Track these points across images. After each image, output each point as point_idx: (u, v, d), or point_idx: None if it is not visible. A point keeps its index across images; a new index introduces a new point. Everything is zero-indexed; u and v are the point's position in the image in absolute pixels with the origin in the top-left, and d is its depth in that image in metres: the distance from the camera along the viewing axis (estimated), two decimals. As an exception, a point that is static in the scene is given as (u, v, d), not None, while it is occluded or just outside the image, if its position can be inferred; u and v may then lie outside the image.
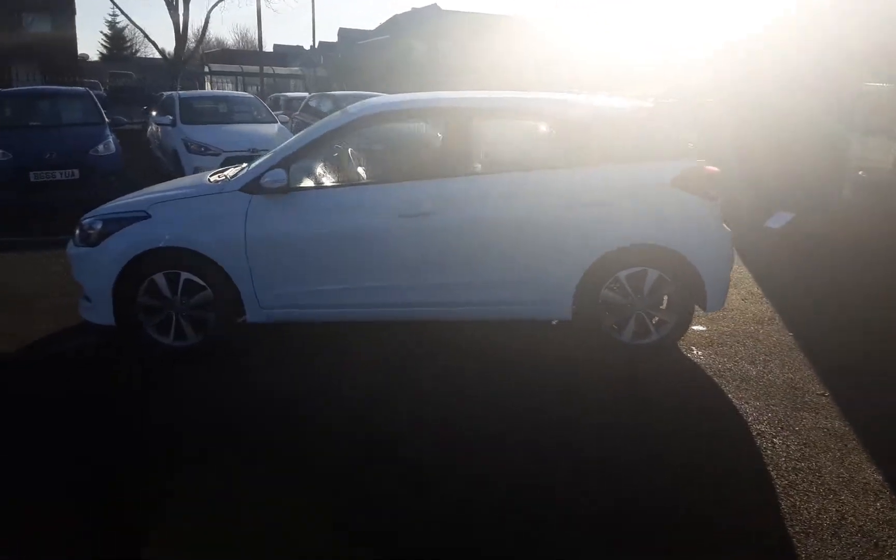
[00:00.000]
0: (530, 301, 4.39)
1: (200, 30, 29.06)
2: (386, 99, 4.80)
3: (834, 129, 9.35)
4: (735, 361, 4.40)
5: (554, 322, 4.75)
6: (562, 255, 4.28)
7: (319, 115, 14.03)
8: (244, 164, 5.16)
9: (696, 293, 4.32)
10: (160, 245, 4.32)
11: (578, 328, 4.44)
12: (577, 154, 4.33)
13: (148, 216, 4.36)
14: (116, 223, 4.40)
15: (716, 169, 4.33)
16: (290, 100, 19.31)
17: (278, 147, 4.66)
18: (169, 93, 13.38)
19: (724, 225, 4.36)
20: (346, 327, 4.77)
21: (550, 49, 26.31)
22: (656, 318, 4.37)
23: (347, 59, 41.90)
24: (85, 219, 4.61)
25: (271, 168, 4.29)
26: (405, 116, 4.73)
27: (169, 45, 29.48)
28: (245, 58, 46.22)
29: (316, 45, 44.69)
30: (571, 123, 4.39)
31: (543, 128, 4.56)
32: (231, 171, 4.91)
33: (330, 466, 3.23)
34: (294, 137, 4.82)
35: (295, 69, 41.79)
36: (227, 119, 11.60)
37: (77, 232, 4.61)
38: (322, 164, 4.53)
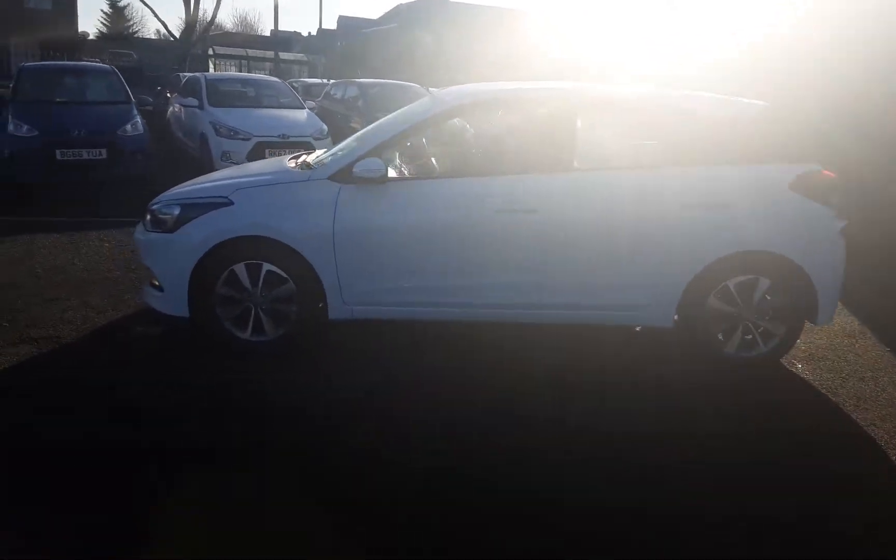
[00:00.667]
0: (631, 306, 4.16)
1: (212, 10, 28.59)
2: (480, 87, 4.53)
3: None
4: (842, 378, 4.20)
5: (638, 328, 4.52)
6: (672, 259, 4.05)
7: (345, 103, 13.74)
8: (320, 151, 4.92)
9: (807, 305, 4.11)
10: (244, 234, 4.06)
11: (679, 336, 4.21)
12: (693, 152, 4.11)
13: (230, 202, 4.10)
14: (196, 209, 4.13)
15: (833, 174, 4.12)
16: (309, 86, 18.98)
17: (365, 134, 4.41)
18: (193, 74, 13.02)
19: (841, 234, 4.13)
20: (421, 326, 4.52)
21: (556, 43, 26.21)
22: (762, 329, 4.15)
23: (349, 47, 41.52)
24: (155, 203, 4.35)
25: (364, 156, 4.04)
26: (505, 105, 4.47)
27: (172, 26, 28.97)
28: (245, 42, 45.67)
29: (316, 32, 44.15)
30: (687, 119, 4.17)
31: (656, 123, 4.30)
32: (310, 158, 4.66)
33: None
34: (378, 125, 4.58)
35: (301, 55, 41.33)
36: (256, 103, 11.29)
37: (148, 217, 4.35)
38: (412, 154, 4.28)
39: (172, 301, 4.20)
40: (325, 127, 10.90)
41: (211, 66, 36.96)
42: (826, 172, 4.11)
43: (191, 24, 24.60)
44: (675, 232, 4.02)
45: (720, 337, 4.17)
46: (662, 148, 4.22)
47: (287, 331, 4.18)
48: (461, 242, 4.07)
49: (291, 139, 10.26)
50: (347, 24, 47.39)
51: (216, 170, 10.05)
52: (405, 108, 4.81)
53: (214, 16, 27.33)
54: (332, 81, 16.24)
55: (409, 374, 4.04)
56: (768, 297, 4.10)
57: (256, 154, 9.93)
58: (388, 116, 4.77)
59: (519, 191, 4.04)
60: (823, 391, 4.03)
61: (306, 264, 4.07)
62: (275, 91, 11.79)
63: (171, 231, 4.16)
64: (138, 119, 9.72)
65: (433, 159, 4.67)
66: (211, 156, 10.13)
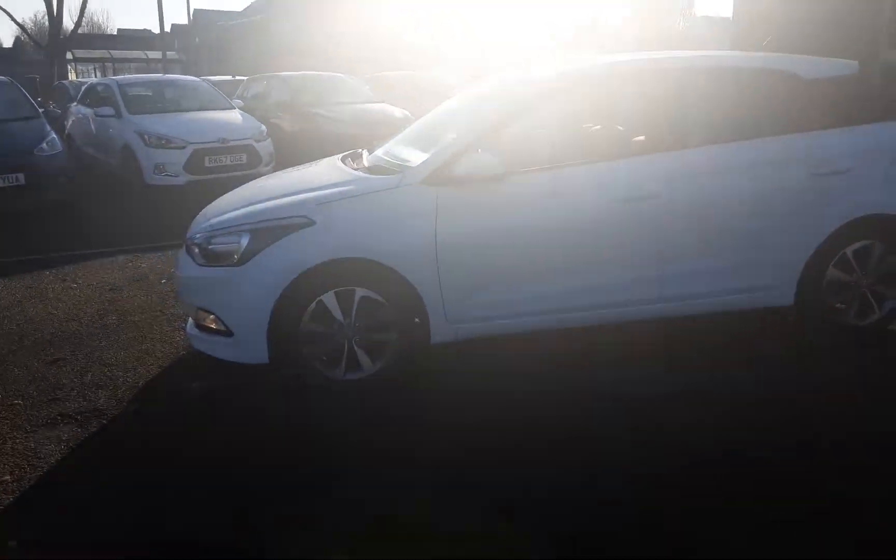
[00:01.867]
0: (754, 287, 3.90)
1: (79, 8, 25.93)
2: (578, 63, 4.06)
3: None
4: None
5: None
6: (795, 232, 3.83)
7: (265, 99, 12.72)
8: (375, 148, 4.31)
9: (922, 266, 4.01)
10: (334, 257, 3.44)
11: (800, 314, 4.00)
12: (801, 116, 3.89)
13: (312, 222, 3.46)
14: (271, 234, 3.47)
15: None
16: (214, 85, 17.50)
17: (458, 125, 3.86)
18: (99, 80, 11.65)
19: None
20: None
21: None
22: (879, 295, 4.02)
23: (207, 41, 39.42)
24: (202, 233, 3.63)
25: (462, 152, 3.51)
26: (607, 82, 4.02)
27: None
28: (92, 42, 41.91)
29: (168, 28, 41.19)
30: (790, 81, 3.93)
31: (759, 87, 4.02)
32: (368, 156, 4.10)
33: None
34: (452, 112, 4.07)
35: (172, 53, 38.54)
36: (180, 107, 10.19)
37: (196, 250, 3.63)
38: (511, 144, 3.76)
39: (247, 346, 3.53)
40: (263, 127, 10.05)
41: (71, 72, 33.75)
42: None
43: (56, 22, 22.15)
44: (798, 202, 3.79)
45: (839, 306, 4.00)
46: (770, 113, 3.96)
47: (386, 363, 3.61)
48: (584, 238, 3.65)
49: (232, 143, 9.41)
50: (204, 18, 44.61)
51: (148, 183, 9.11)
52: (477, 90, 4.26)
53: (82, 12, 24.84)
54: (244, 78, 15.06)
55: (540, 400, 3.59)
56: (882, 262, 3.96)
57: (194, 163, 9.03)
58: (451, 102, 4.24)
59: (640, 175, 3.66)
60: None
61: (406, 284, 3.52)
62: (198, 92, 10.71)
63: (239, 264, 3.46)
64: (54, 135, 8.48)
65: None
66: (140, 169, 9.09)
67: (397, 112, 11.31)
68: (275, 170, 9.37)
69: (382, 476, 2.92)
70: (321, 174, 4.05)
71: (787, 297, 3.93)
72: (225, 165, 9.27)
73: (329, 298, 3.48)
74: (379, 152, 4.24)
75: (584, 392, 3.56)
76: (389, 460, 3.03)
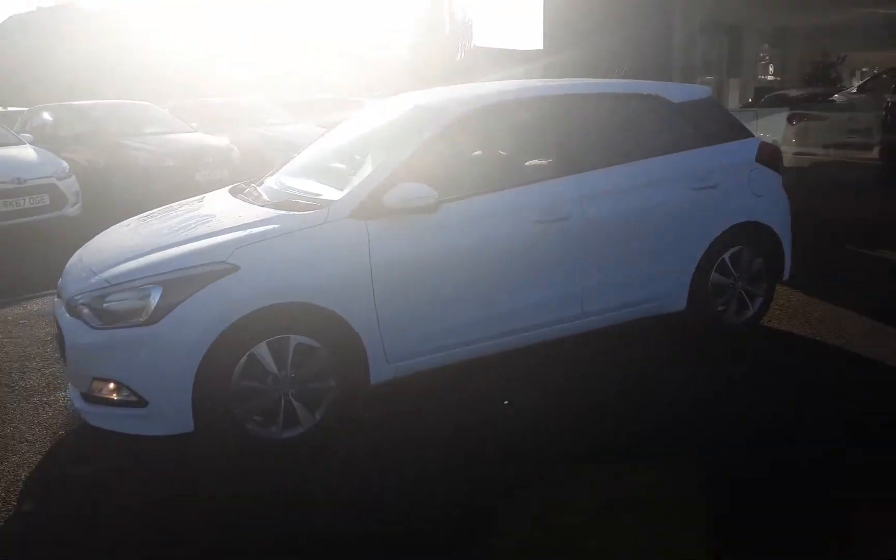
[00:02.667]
0: (654, 297, 4.19)
1: None
2: (487, 91, 4.04)
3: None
4: (814, 327, 4.72)
5: None
6: (684, 242, 4.18)
7: (54, 131, 11.29)
8: (268, 181, 4.03)
9: (778, 264, 4.56)
10: (264, 304, 3.12)
11: (691, 316, 4.35)
12: (682, 137, 4.26)
13: (235, 267, 3.11)
14: (187, 285, 3.06)
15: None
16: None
17: (373, 154, 3.69)
18: None
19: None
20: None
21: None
22: (750, 293, 4.50)
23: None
24: (87, 291, 3.14)
25: (385, 183, 3.37)
26: (509, 109, 4.05)
27: None
28: None
29: None
30: (660, 105, 4.29)
31: (637, 114, 4.33)
32: (263, 190, 3.86)
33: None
34: (381, 142, 3.89)
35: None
36: (-43, 144, 8.71)
37: (86, 311, 3.12)
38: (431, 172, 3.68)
39: (166, 416, 3.09)
40: (65, 163, 8.91)
41: None
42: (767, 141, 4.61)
43: None
44: (683, 216, 4.15)
45: (720, 307, 4.42)
46: (650, 135, 4.29)
47: (325, 413, 3.34)
48: (513, 262, 3.69)
49: (30, 183, 8.21)
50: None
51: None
52: (374, 117, 4.11)
53: None
54: (22, 109, 13.20)
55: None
56: (751, 263, 4.45)
57: (-16, 208, 7.76)
58: (344, 130, 4.06)
59: (550, 198, 3.77)
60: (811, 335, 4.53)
61: (343, 324, 3.29)
62: (-25, 127, 9.24)
63: (151, 322, 3.02)
64: None
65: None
66: None
67: (217, 141, 10.62)
68: (82, 210, 8.41)
69: None
70: (221, 212, 3.68)
71: (681, 303, 4.27)
72: (24, 209, 8.07)
73: (261, 350, 3.15)
74: (272, 185, 3.96)
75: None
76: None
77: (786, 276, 4.63)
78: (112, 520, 2.85)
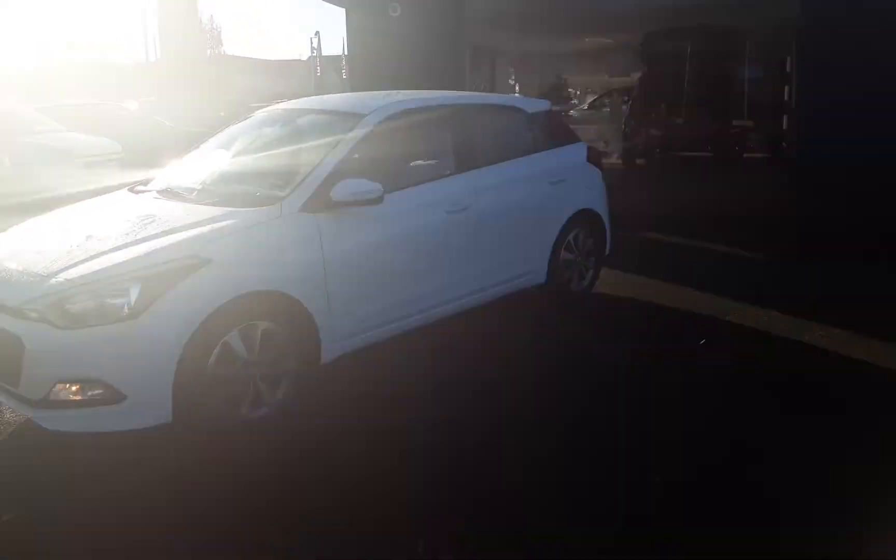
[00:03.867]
0: (524, 273, 5.01)
1: None
2: (399, 98, 4.52)
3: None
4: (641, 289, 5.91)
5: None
6: (544, 227, 5.07)
7: None
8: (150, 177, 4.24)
9: (603, 242, 5.68)
10: (238, 294, 3.35)
11: (550, 288, 5.25)
12: (537, 141, 5.15)
13: (207, 260, 3.30)
14: (164, 279, 3.18)
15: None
16: None
17: (305, 156, 3.99)
18: None
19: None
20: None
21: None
22: (585, 268, 5.55)
23: None
24: (46, 294, 3.10)
25: (330, 178, 3.77)
26: (421, 114, 4.58)
27: None
28: None
29: None
30: (529, 116, 5.17)
31: (505, 121, 5.14)
32: (154, 185, 4.28)
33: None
34: (316, 147, 4.17)
35: None
36: None
37: (49, 313, 3.08)
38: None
39: (145, 408, 3.18)
40: None
41: None
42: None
43: None
44: (544, 205, 5.05)
45: (567, 279, 5.40)
46: (520, 140, 5.12)
47: (285, 392, 3.63)
48: (435, 245, 4.30)
49: None
50: None
51: None
52: (336, 124, 4.34)
53: None
54: None
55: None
56: (586, 242, 5.50)
57: None
58: (254, 135, 4.31)
59: (456, 192, 4.42)
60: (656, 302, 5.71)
61: (301, 309, 3.62)
62: None
63: (130, 318, 3.10)
64: None
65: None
66: None
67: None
68: None
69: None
70: (161, 211, 3.74)
71: (542, 277, 5.16)
72: None
73: (234, 338, 3.36)
74: (189, 185, 4.19)
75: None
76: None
77: (608, 251, 5.77)
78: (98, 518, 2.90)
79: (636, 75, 16.60)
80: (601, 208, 5.57)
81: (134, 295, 3.11)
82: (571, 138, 5.57)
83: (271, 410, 3.56)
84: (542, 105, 5.48)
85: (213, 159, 4.61)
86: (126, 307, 3.10)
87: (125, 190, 4.54)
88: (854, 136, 9.32)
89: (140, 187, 4.39)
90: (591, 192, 5.47)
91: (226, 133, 4.90)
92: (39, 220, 4.05)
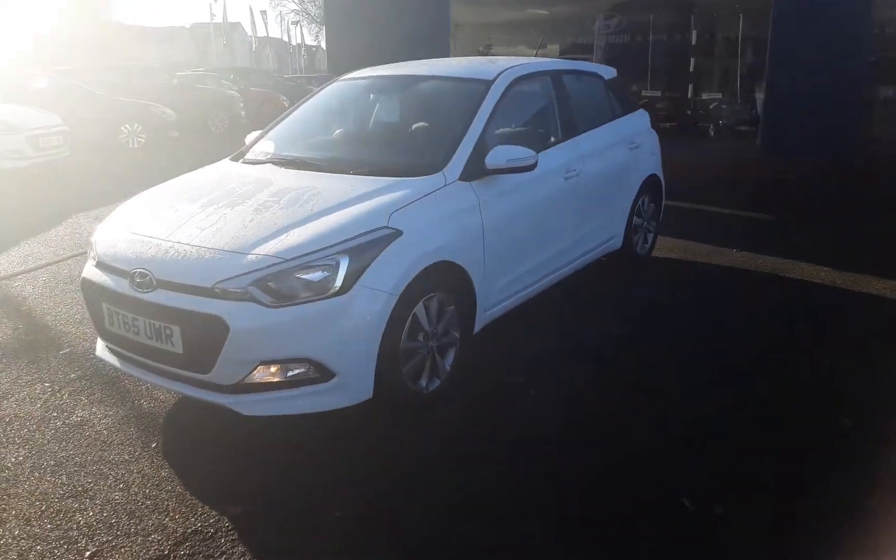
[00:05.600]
0: (609, 238, 5.13)
1: None
2: (514, 63, 4.44)
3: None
4: (684, 252, 6.16)
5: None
6: (626, 192, 5.20)
7: None
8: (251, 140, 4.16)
9: (659, 208, 5.87)
10: (426, 265, 3.27)
11: (623, 253, 5.39)
12: (614, 108, 5.25)
13: (398, 232, 3.19)
14: (365, 252, 3.06)
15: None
16: None
17: (460, 125, 3.85)
18: None
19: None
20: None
21: None
22: (647, 230, 5.73)
23: None
24: (262, 270, 2.91)
25: (477, 146, 3.72)
26: (534, 79, 4.53)
27: None
28: None
29: None
30: (606, 82, 5.24)
31: (591, 87, 5.18)
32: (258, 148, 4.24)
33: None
34: (451, 114, 4.10)
35: None
36: None
37: (254, 291, 2.89)
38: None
39: (352, 385, 3.07)
40: None
41: None
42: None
43: None
44: (625, 170, 5.17)
45: (635, 242, 5.56)
46: (599, 106, 5.18)
47: (452, 364, 3.58)
48: (558, 211, 4.33)
49: None
50: None
51: None
52: (464, 93, 4.19)
53: None
54: None
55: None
56: (651, 207, 5.67)
57: None
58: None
59: (569, 157, 4.45)
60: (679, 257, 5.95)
61: (466, 279, 3.58)
62: None
63: (342, 292, 2.97)
64: None
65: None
66: None
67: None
68: None
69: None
70: (308, 184, 3.54)
71: (619, 242, 5.29)
72: None
73: (420, 310, 3.29)
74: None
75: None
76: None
77: (661, 217, 5.98)
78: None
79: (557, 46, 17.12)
80: (661, 174, 5.75)
81: (342, 269, 2.97)
82: (634, 105, 5.70)
83: (443, 383, 3.51)
84: (613, 71, 5.56)
85: (327, 128, 4.45)
86: (336, 281, 2.96)
87: (227, 160, 4.29)
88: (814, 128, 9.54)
89: (250, 158, 4.16)
90: (655, 159, 5.64)
91: (320, 101, 4.69)
92: (159, 194, 3.76)
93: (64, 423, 3.36)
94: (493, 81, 4.11)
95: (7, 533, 2.58)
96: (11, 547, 2.50)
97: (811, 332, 4.43)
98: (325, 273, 2.95)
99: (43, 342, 4.33)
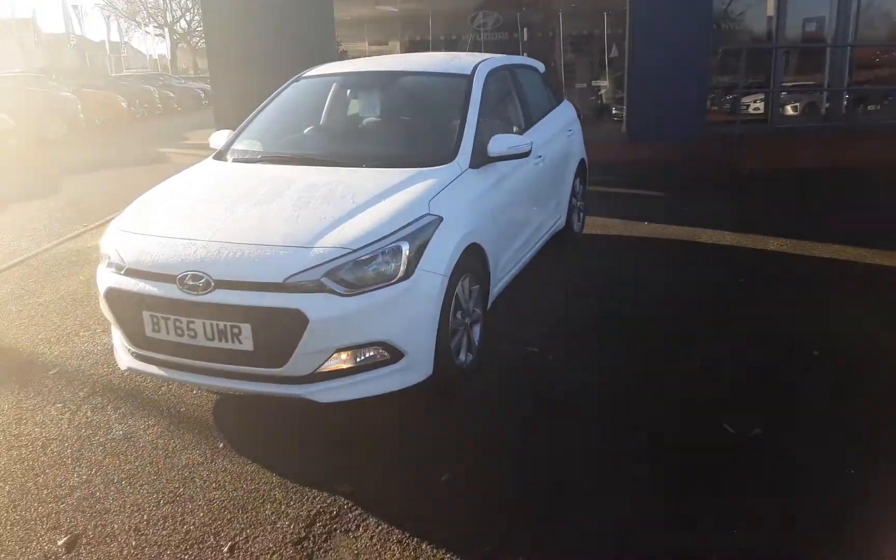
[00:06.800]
0: (557, 219, 5.61)
1: None
2: (482, 58, 4.71)
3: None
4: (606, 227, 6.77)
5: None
6: (567, 175, 5.72)
7: None
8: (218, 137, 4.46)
9: (585, 189, 6.47)
10: (464, 246, 3.54)
11: (565, 232, 5.91)
12: (550, 98, 5.75)
13: (440, 218, 3.43)
14: (419, 238, 3.27)
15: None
16: None
17: (454, 116, 4.10)
18: None
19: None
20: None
21: None
22: (579, 210, 6.31)
23: None
24: (332, 261, 3.03)
25: (480, 136, 4.04)
26: (501, 72, 4.84)
27: None
28: None
29: None
30: (542, 74, 5.73)
31: (536, 79, 5.60)
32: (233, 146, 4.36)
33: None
34: (441, 106, 4.42)
35: None
36: None
37: (328, 282, 3.02)
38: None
39: (417, 365, 3.28)
40: None
41: None
42: (568, 102, 6.46)
43: None
44: (567, 154, 5.69)
45: (572, 221, 6.10)
46: (541, 96, 5.63)
47: (479, 339, 3.88)
48: (530, 196, 4.76)
49: None
50: None
51: None
52: (454, 85, 4.40)
53: None
54: None
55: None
56: (581, 187, 6.24)
57: None
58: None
59: (535, 143, 4.84)
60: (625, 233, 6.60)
61: (485, 259, 3.88)
62: None
63: (405, 277, 3.17)
64: None
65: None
66: None
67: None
68: None
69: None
70: (330, 179, 3.66)
71: (562, 222, 5.80)
72: None
73: (459, 289, 3.55)
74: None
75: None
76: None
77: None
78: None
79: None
80: (586, 158, 6.35)
81: (405, 254, 3.16)
82: (560, 96, 6.24)
83: (474, 356, 3.79)
84: (541, 65, 6.05)
85: (313, 124, 4.54)
86: (401, 266, 3.14)
87: (210, 159, 4.27)
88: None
89: (241, 157, 4.19)
90: (582, 145, 6.20)
91: (294, 98, 4.75)
92: (163, 200, 3.70)
93: (107, 438, 3.26)
94: (472, 75, 4.42)
95: (124, 545, 2.54)
96: (140, 557, 2.48)
97: (751, 283, 5.18)
98: (391, 260, 3.13)
99: (22, 365, 4.06)
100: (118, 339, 3.51)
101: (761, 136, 10.82)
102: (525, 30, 15.90)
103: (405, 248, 3.17)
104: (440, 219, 3.40)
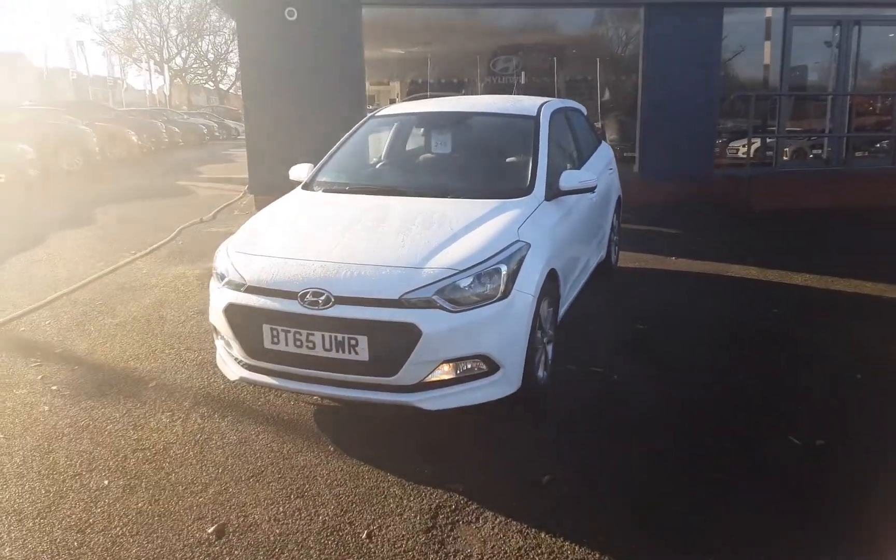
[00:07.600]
0: (601, 250, 5.96)
1: None
2: (543, 101, 5.11)
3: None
4: (636, 261, 7.14)
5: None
6: (610, 210, 6.11)
7: None
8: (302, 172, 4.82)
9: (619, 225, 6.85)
10: (546, 270, 3.86)
11: (605, 265, 6.26)
12: (594, 137, 6.16)
13: (528, 244, 3.76)
14: (515, 260, 3.60)
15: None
16: None
17: (527, 153, 4.48)
18: None
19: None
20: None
21: None
22: (616, 243, 6.68)
23: None
24: (442, 282, 3.35)
25: (552, 171, 4.40)
26: (560, 114, 5.23)
27: None
28: None
29: None
30: (585, 116, 6.11)
31: (582, 119, 6.01)
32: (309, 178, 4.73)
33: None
34: (514, 144, 4.77)
35: None
36: None
37: (442, 296, 3.33)
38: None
39: (510, 377, 3.57)
40: None
41: None
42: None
43: None
44: (611, 191, 6.09)
45: (610, 253, 6.46)
46: (588, 135, 6.03)
47: (552, 357, 4.18)
48: (587, 227, 5.10)
49: None
50: None
51: None
52: (525, 125, 4.78)
53: None
54: None
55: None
56: (617, 223, 6.62)
57: None
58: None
59: (593, 175, 5.21)
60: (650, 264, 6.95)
61: (557, 283, 4.20)
62: None
63: (503, 296, 3.48)
64: None
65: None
66: None
67: None
68: None
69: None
70: (421, 208, 4.00)
71: (604, 254, 6.15)
72: None
73: (542, 309, 3.86)
74: (335, 178, 4.71)
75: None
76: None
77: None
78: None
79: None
80: (621, 195, 6.74)
81: (503, 275, 3.48)
82: (601, 136, 6.65)
83: (548, 372, 4.09)
84: (582, 108, 6.47)
85: (396, 158, 4.92)
86: (500, 286, 3.46)
87: (299, 189, 4.60)
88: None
89: (330, 188, 4.53)
90: (618, 182, 6.59)
91: (371, 135, 5.13)
92: (270, 225, 4.06)
93: (224, 442, 3.51)
94: (538, 116, 4.80)
95: (269, 532, 2.79)
96: (286, 542, 2.73)
97: (785, 313, 5.54)
98: (492, 280, 3.45)
99: (119, 378, 4.31)
100: (225, 351, 3.78)
101: (768, 177, 11.30)
102: (560, 74, 16.37)
103: (504, 270, 3.49)
104: (528, 245, 3.73)
